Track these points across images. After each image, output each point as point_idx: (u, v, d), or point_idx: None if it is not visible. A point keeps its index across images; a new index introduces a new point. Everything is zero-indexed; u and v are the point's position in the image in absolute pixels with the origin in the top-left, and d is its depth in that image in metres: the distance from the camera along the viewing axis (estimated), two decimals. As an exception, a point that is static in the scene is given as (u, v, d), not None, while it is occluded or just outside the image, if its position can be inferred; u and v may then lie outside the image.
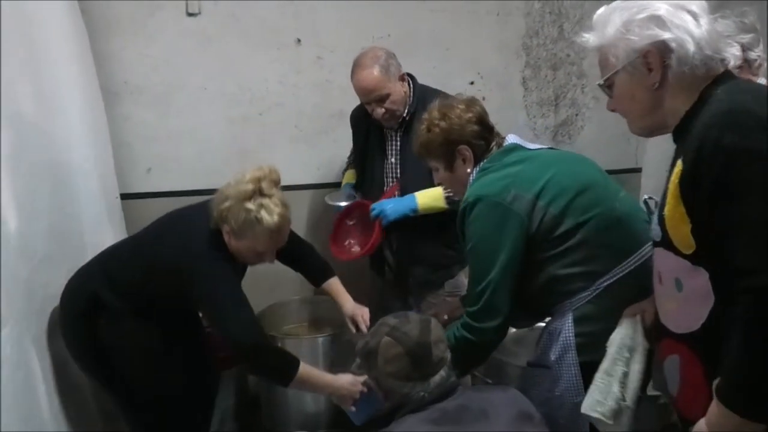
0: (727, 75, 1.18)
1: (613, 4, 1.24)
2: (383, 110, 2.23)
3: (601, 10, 1.26)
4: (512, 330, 1.93)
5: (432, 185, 2.12)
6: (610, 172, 3.17)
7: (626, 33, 1.18)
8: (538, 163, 1.65)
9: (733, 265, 1.01)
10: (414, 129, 1.81)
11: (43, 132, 1.94)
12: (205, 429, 2.13)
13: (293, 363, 1.76)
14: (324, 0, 2.75)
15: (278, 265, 2.03)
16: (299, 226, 2.90)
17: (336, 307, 2.19)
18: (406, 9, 2.88)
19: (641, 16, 1.16)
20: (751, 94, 1.10)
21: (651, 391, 1.39)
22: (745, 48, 1.94)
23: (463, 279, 2.31)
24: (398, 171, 2.34)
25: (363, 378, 1.73)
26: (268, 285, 2.62)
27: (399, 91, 2.23)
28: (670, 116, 1.19)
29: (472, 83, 3.04)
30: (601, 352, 1.42)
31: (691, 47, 1.13)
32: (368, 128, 2.39)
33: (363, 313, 2.09)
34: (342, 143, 2.82)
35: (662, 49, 1.15)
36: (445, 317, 1.92)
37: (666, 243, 1.16)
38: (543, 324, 1.73)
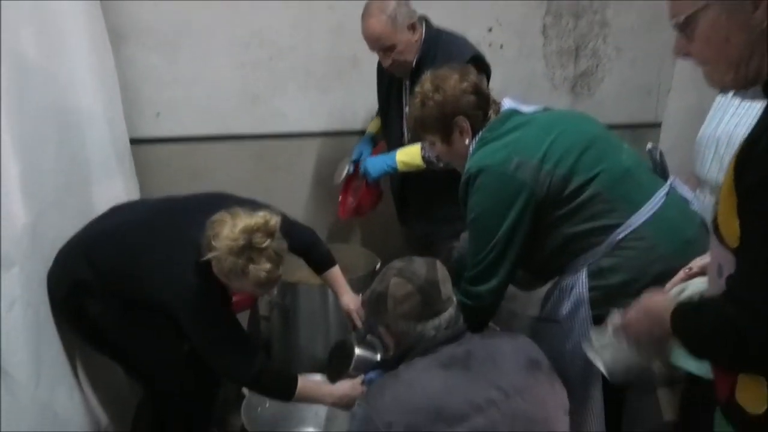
0: None
1: None
2: (390, 61, 2.19)
3: None
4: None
5: None
6: (629, 126, 3.17)
7: None
8: (537, 127, 1.61)
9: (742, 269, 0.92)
10: (420, 77, 1.74)
11: (48, 75, 1.89)
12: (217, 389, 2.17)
13: (292, 381, 1.78)
14: (339, -59, 2.65)
15: (296, 210, 1.99)
16: (307, 177, 2.89)
17: (352, 255, 2.29)
18: (423, -49, 2.76)
19: None
20: None
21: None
22: None
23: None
24: None
25: (362, 378, 1.75)
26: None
27: (407, 41, 2.17)
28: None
29: (490, 30, 2.94)
30: (616, 304, 1.35)
31: None
32: (390, 78, 2.36)
33: (358, 309, 2.06)
34: (354, 90, 2.76)
35: None
36: None
37: (715, 228, 1.01)
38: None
